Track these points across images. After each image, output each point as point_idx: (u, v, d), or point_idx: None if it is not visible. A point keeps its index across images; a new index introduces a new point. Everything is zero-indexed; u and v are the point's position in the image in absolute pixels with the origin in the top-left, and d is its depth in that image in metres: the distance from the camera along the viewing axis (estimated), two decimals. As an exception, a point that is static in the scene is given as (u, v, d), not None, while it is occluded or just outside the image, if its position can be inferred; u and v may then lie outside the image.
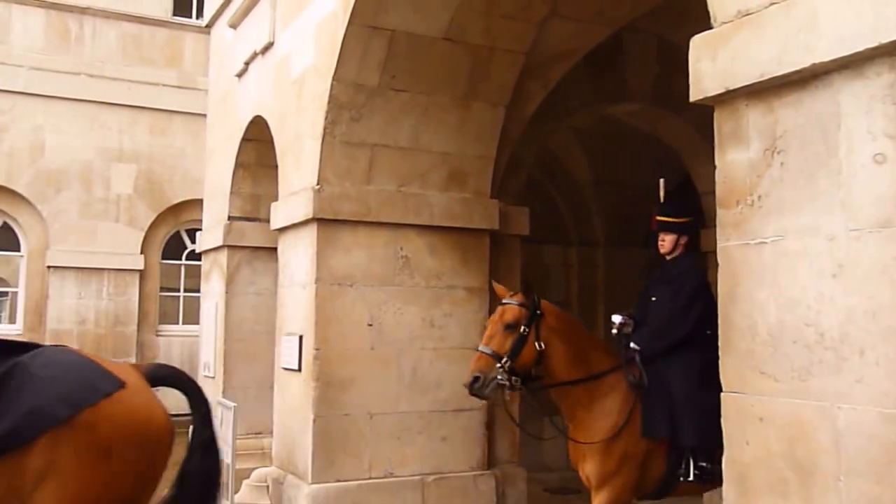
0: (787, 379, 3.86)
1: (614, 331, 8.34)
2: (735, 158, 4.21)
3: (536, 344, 7.60)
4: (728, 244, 4.23)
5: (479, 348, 7.58)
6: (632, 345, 8.03)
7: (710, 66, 4.29)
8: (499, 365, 7.42)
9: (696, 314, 7.85)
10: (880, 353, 3.46)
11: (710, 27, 4.45)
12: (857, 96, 3.61)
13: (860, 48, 3.51)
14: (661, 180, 8.74)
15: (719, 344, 4.32)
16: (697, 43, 4.43)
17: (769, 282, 3.97)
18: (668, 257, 8.37)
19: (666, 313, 8.07)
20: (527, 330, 7.57)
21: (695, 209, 8.52)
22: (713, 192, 12.59)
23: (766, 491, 3.97)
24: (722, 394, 4.25)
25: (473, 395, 7.51)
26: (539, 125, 10.98)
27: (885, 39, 3.41)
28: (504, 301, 7.82)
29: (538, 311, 7.69)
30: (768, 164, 3.99)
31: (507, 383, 7.50)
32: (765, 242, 3.99)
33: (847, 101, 3.65)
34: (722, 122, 4.35)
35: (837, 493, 3.61)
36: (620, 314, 8.38)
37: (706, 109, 4.58)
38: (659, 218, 8.33)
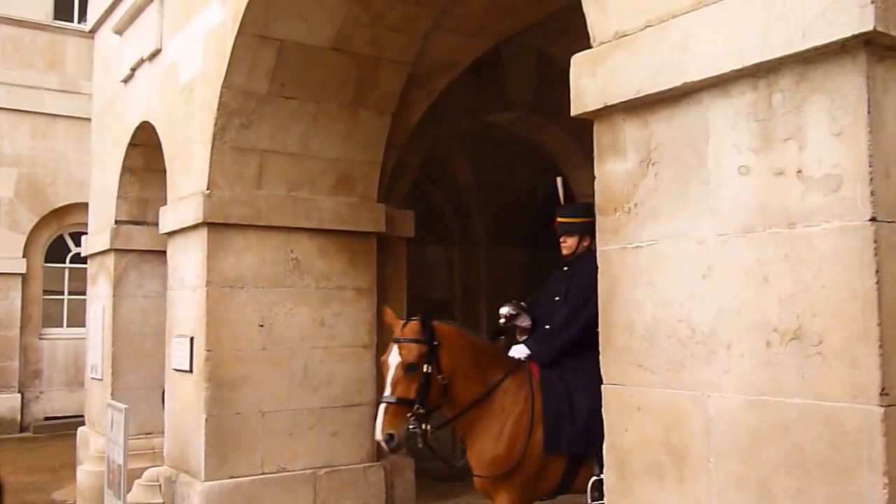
0: (662, 371, 4.15)
1: (502, 321, 8.16)
2: (613, 169, 4.48)
3: (440, 378, 7.17)
4: (607, 248, 4.51)
5: (385, 398, 6.97)
6: (513, 353, 7.75)
7: (590, 83, 4.51)
8: (410, 414, 6.99)
9: (588, 313, 7.10)
10: (745, 347, 3.78)
11: (586, 42, 4.68)
12: (724, 113, 3.91)
13: (726, 69, 3.81)
14: (559, 179, 8.41)
15: (600, 340, 4.58)
16: (578, 60, 4.64)
17: (645, 282, 4.26)
18: (570, 258, 8.02)
19: (564, 313, 7.74)
20: (429, 368, 7.10)
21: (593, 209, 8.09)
22: (589, 196, 12.93)
23: (643, 474, 4.26)
24: (603, 386, 4.53)
25: (392, 451, 7.19)
26: (424, 132, 11.18)
27: (749, 62, 3.71)
28: (397, 338, 7.21)
29: (435, 343, 7.18)
30: (644, 175, 4.28)
31: (420, 430, 7.09)
32: (641, 246, 4.29)
33: (715, 118, 3.95)
34: (601, 135, 4.58)
35: (708, 474, 3.92)
36: (509, 305, 8.16)
37: (582, 119, 4.82)
38: (560, 220, 8.05)
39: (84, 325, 15.76)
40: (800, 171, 3.61)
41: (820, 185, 3.54)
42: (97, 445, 12.36)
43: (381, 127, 10.27)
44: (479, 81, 11.93)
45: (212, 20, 9.74)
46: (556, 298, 7.94)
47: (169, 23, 11.40)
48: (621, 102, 4.35)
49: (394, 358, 7.14)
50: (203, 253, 9.46)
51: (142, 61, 12.26)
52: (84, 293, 16.11)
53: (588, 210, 7.59)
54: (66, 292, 22.36)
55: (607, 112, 4.49)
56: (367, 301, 10.27)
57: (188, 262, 9.92)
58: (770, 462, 3.68)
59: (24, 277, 21.42)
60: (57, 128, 21.76)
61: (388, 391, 7.06)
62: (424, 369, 7.08)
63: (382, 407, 7.02)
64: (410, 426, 6.99)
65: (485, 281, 16.59)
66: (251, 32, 9.07)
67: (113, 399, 11.19)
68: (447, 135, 13.12)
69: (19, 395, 21.02)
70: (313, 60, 9.45)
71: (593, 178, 4.72)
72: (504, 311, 8.12)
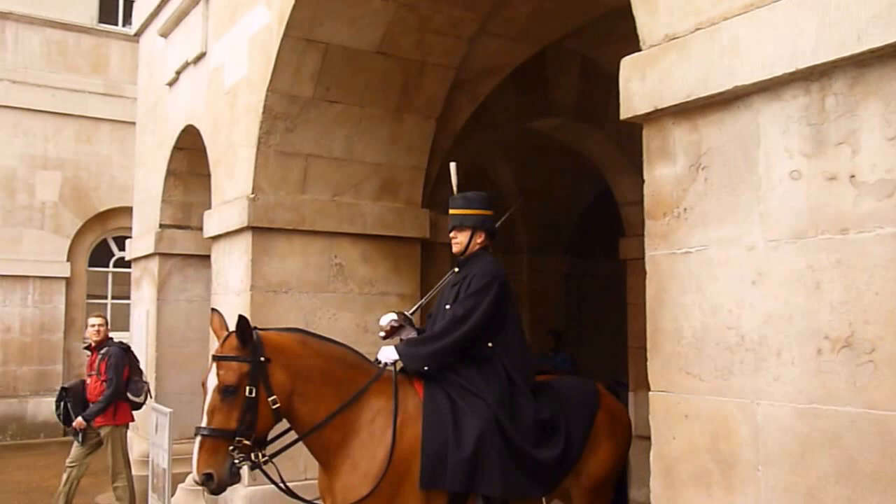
0: (710, 378, 4.09)
1: (382, 334, 7.01)
2: (662, 173, 4.42)
3: (271, 401, 5.96)
4: (656, 253, 4.45)
5: (200, 430, 5.82)
6: (380, 356, 6.57)
7: (640, 86, 4.46)
8: (232, 447, 5.83)
9: (475, 320, 6.49)
10: (795, 354, 3.72)
11: (631, 47, 4.65)
12: (776, 117, 3.85)
13: (778, 72, 3.75)
14: (452, 164, 7.25)
15: (647, 346, 4.52)
16: (627, 64, 4.58)
17: (694, 288, 4.20)
18: (462, 257, 7.03)
19: (447, 318, 6.62)
20: (253, 390, 5.89)
21: (488, 200, 7.14)
22: (632, 203, 12.83)
23: (690, 482, 4.20)
24: (650, 393, 4.48)
25: (213, 493, 5.93)
26: (468, 138, 11.17)
27: (801, 65, 3.66)
28: (215, 355, 6.06)
29: (262, 359, 5.96)
30: (693, 179, 4.22)
31: (250, 462, 5.99)
32: (690, 252, 4.23)
33: (766, 122, 3.89)
34: (650, 139, 4.52)
35: (756, 483, 3.86)
36: (391, 314, 7.12)
37: (625, 125, 4.79)
38: (451, 212, 7.03)
39: (127, 330, 15.80)
40: (853, 176, 3.55)
41: (873, 191, 3.49)
42: (141, 449, 12.41)
43: (426, 132, 10.26)
44: (523, 88, 11.91)
45: (257, 23, 9.76)
46: (447, 306, 6.81)
47: (214, 26, 11.46)
48: (671, 106, 4.29)
49: (211, 380, 5.92)
50: (247, 257, 9.46)
51: (186, 64, 12.34)
52: (127, 297, 16.18)
53: (483, 201, 7.09)
54: (109, 296, 22.45)
55: (657, 116, 4.43)
56: (410, 307, 10.16)
57: (232, 266, 9.94)
58: (820, 471, 3.62)
59: (67, 281, 21.55)
60: (101, 131, 21.86)
61: (203, 421, 5.86)
62: (247, 392, 5.85)
63: (197, 441, 5.83)
64: (236, 461, 5.84)
65: (527, 290, 16.57)
66: (296, 36, 9.08)
67: (157, 403, 11.22)
68: (489, 141, 13.10)
69: (63, 399, 21.12)
70: (358, 64, 9.44)
71: (637, 184, 4.68)
72: (384, 321, 7.04)
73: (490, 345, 6.62)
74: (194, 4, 12.03)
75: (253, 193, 9.43)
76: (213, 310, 6.55)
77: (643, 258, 4.64)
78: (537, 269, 16.58)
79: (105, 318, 11.84)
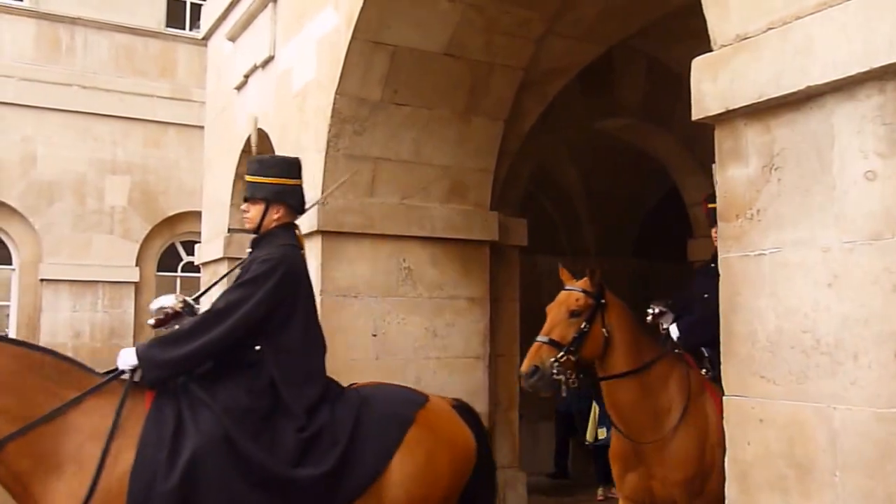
0: (785, 382, 4.04)
1: (151, 322, 6.04)
2: (735, 174, 4.38)
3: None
4: (729, 255, 4.41)
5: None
6: (118, 361, 5.29)
7: (711, 87, 4.43)
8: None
9: (235, 320, 5.41)
10: (872, 357, 3.66)
11: (699, 46, 4.63)
12: (849, 117, 3.80)
13: (852, 72, 3.70)
14: (255, 118, 6.07)
15: (721, 349, 4.48)
16: (699, 64, 4.55)
17: (768, 291, 4.16)
18: (256, 235, 5.99)
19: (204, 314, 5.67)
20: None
21: (293, 167, 6.09)
22: (700, 204, 12.70)
23: (766, 488, 4.16)
24: (724, 397, 4.44)
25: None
26: (535, 139, 11.14)
27: (875, 64, 3.60)
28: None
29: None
30: (766, 180, 4.18)
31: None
32: (763, 254, 4.18)
33: (840, 122, 3.84)
34: (722, 140, 4.49)
35: (833, 489, 3.81)
36: (168, 297, 6.16)
37: (692, 125, 4.76)
38: (247, 178, 5.96)
39: (197, 334, 15.79)
40: (929, 177, 3.51)
41: (951, 191, 3.43)
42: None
43: (494, 134, 10.22)
44: (589, 88, 11.90)
45: (325, 26, 9.78)
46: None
47: (282, 29, 11.48)
48: (743, 107, 4.26)
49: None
50: (316, 262, 9.43)
51: (255, 68, 12.36)
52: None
53: (285, 167, 6.03)
54: (178, 301, 22.32)
55: (728, 117, 4.40)
56: (480, 311, 10.18)
57: (301, 270, 9.85)
58: (900, 476, 3.58)
59: (136, 286, 21.53)
60: (168, 135, 21.86)
61: None
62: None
63: None
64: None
65: (595, 292, 16.47)
66: (364, 38, 9.09)
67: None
68: (556, 142, 13.05)
69: (132, 404, 21.18)
70: (426, 66, 9.44)
71: (704, 184, 4.64)
72: (154, 306, 6.07)
73: (258, 348, 5.57)
74: (262, 8, 12.05)
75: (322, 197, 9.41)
76: None
77: (713, 260, 4.61)
78: (605, 271, 16.44)
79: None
